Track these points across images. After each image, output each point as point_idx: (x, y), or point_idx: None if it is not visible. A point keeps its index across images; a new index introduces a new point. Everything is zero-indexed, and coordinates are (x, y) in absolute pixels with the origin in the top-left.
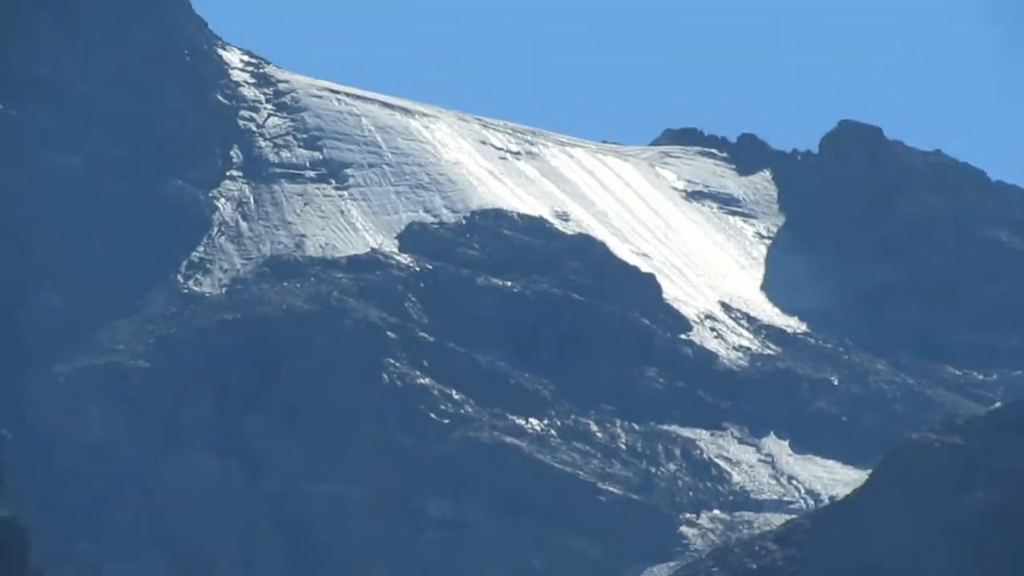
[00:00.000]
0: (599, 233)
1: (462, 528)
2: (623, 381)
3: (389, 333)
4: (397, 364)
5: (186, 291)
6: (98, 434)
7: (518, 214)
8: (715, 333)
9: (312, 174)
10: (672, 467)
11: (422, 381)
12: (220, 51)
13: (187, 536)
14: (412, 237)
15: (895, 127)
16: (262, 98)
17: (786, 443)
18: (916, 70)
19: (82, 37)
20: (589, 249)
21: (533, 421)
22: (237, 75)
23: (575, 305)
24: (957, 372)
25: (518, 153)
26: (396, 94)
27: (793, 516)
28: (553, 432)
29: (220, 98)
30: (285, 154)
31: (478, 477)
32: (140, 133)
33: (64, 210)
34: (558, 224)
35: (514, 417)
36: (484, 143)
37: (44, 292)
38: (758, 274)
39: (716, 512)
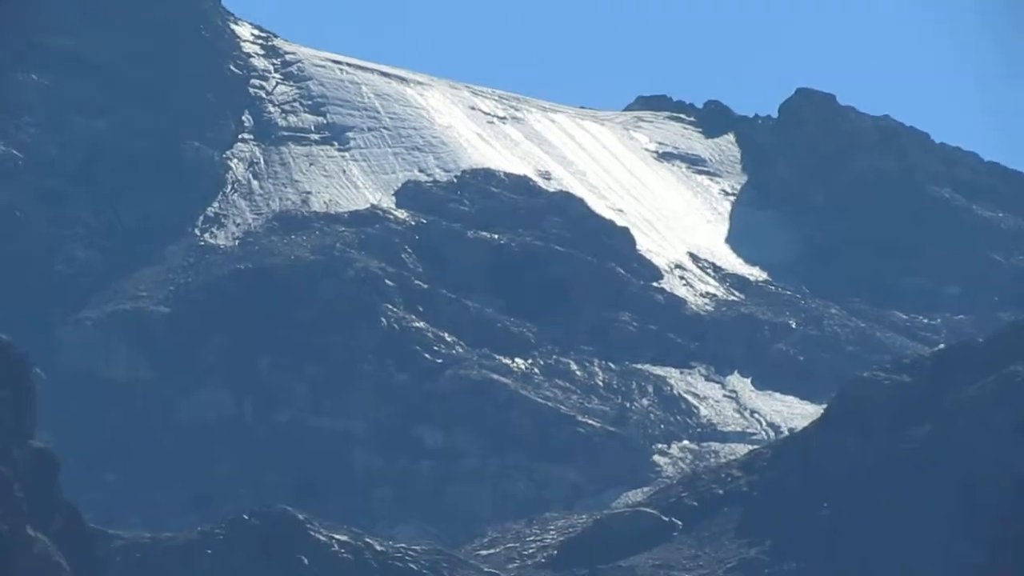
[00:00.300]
0: (578, 191)
1: (454, 458)
2: (600, 324)
3: (387, 281)
4: (394, 309)
5: (202, 243)
6: (123, 374)
7: (504, 173)
8: (684, 281)
9: (316, 137)
10: (645, 402)
11: (417, 325)
12: (232, 26)
13: (204, 465)
14: (408, 194)
15: (847, 94)
16: (271, 68)
17: (749, 381)
18: (866, 42)
19: (107, 14)
20: (569, 205)
21: (518, 360)
22: (248, 47)
23: (556, 256)
24: (904, 317)
25: (504, 118)
26: (393, 64)
27: (755, 446)
28: (536, 371)
29: (233, 68)
30: (292, 119)
31: (468, 412)
32: (160, 100)
33: (92, 171)
34: (541, 182)
35: (501, 357)
36: (474, 108)
37: (74, 246)
38: (723, 228)
39: (685, 443)
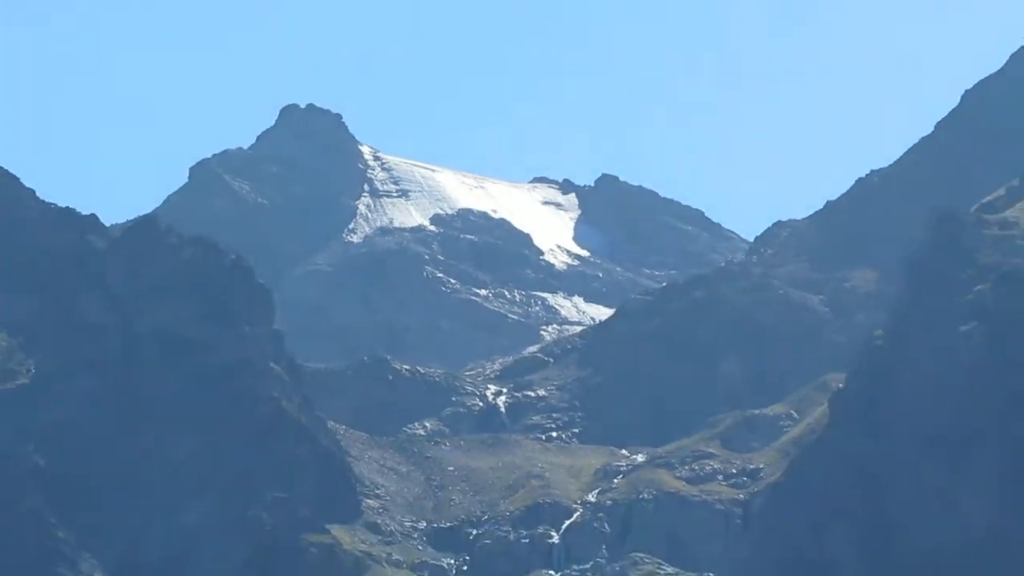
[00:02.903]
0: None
1: None
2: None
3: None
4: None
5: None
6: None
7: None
8: (556, 258)
9: (395, 191)
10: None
11: None
12: (359, 146)
13: None
14: (437, 221)
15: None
16: (376, 164)
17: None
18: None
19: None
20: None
21: None
22: (367, 153)
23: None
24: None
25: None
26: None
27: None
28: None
29: (359, 165)
30: (386, 186)
31: None
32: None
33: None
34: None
35: None
36: (470, 184)
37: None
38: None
39: (554, 326)
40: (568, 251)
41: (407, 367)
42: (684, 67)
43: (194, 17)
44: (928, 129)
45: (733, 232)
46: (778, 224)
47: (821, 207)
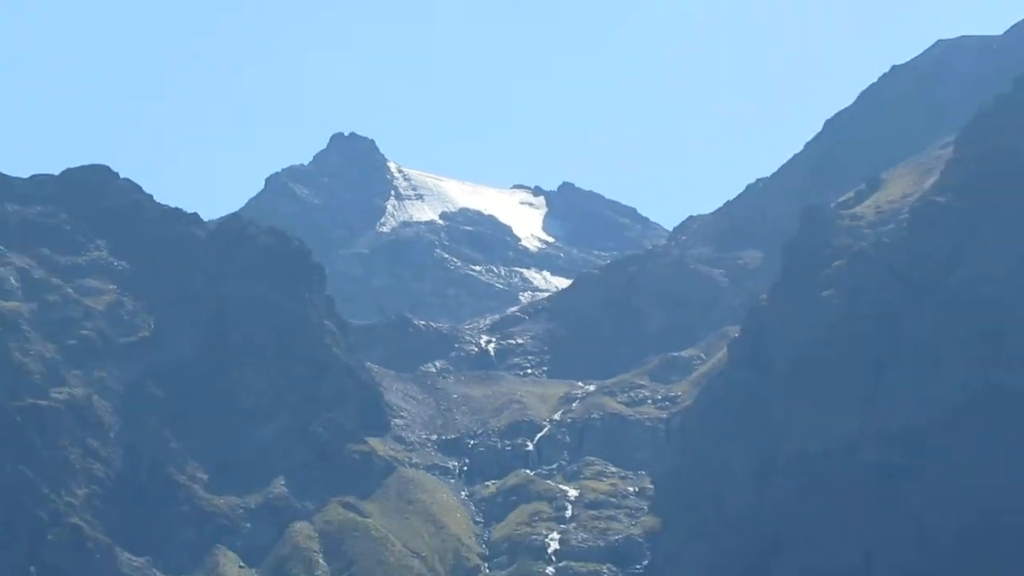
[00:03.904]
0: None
1: None
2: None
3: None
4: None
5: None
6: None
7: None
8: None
9: (413, 195)
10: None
11: None
12: (388, 163)
13: None
14: (446, 216)
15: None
16: (401, 176)
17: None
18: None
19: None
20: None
21: None
22: (393, 169)
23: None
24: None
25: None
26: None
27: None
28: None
29: (387, 177)
30: (406, 191)
31: None
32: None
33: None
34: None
35: None
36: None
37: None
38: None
39: (528, 293)
40: (539, 238)
41: (423, 322)
42: (624, 100)
43: (267, 69)
44: (799, 148)
45: (658, 224)
46: (690, 218)
47: (722, 205)
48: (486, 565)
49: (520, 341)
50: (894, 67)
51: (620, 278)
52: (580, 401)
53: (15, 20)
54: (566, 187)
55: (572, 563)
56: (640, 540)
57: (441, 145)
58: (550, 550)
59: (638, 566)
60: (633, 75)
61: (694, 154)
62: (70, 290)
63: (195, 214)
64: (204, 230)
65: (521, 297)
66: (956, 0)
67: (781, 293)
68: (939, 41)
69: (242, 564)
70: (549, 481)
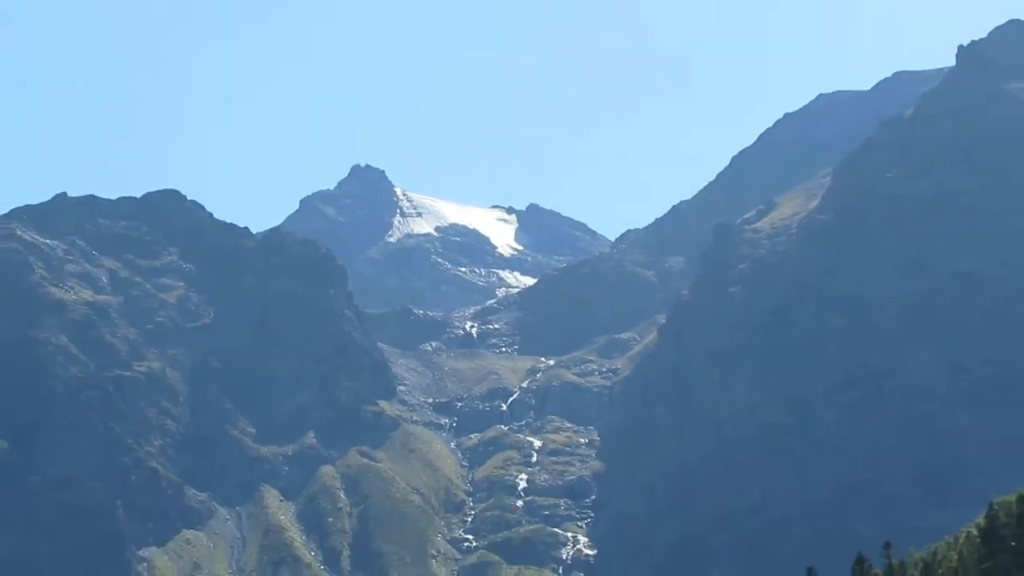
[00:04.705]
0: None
1: None
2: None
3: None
4: None
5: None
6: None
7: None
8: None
9: (418, 213)
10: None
11: None
12: (395, 188)
13: None
14: (448, 230)
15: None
16: (405, 197)
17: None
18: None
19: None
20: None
21: None
22: (399, 191)
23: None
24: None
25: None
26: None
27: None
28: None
29: (393, 198)
30: (410, 210)
31: None
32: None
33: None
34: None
35: None
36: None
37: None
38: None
39: (505, 288)
40: (511, 247)
41: (422, 312)
42: (580, 141)
43: (303, 117)
44: (712, 177)
45: (604, 236)
46: (628, 231)
47: (652, 221)
48: (470, 499)
49: (497, 326)
50: (786, 114)
51: (574, 278)
52: (543, 372)
53: (106, 71)
54: (533, 207)
55: (537, 498)
56: (589, 480)
57: (436, 174)
58: (520, 488)
59: (587, 500)
60: (593, 123)
61: (632, 181)
62: (148, 287)
63: (246, 228)
64: (252, 240)
65: (498, 292)
66: (835, 60)
67: (699, 290)
68: (820, 94)
69: (282, 498)
70: (519, 434)
